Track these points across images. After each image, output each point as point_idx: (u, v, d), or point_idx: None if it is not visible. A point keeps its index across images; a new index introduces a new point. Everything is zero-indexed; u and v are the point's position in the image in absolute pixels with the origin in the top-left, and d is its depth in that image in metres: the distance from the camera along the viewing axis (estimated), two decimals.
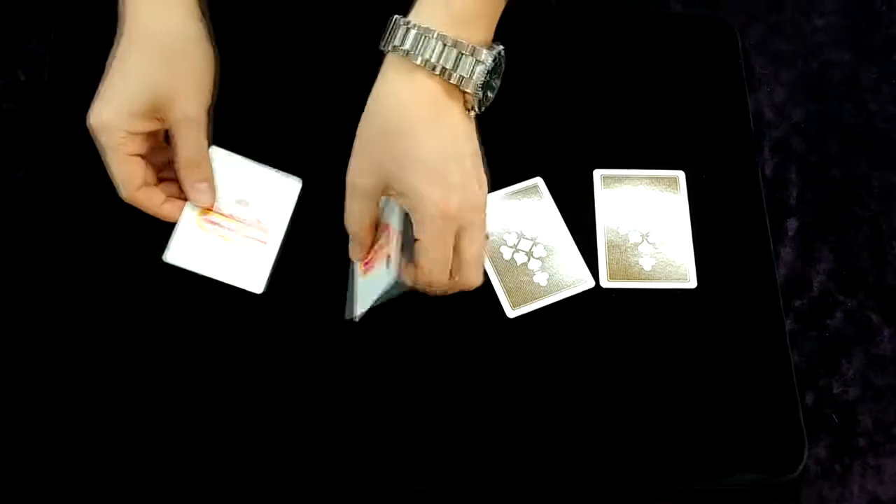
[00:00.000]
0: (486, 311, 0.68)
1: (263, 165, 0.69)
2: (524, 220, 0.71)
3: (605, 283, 0.69)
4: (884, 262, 0.74)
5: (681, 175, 0.74)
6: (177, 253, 0.65)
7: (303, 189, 0.69)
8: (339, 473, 0.64)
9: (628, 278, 0.70)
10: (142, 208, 0.65)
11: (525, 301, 0.68)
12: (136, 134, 0.62)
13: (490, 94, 0.61)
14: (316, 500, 0.65)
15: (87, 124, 0.62)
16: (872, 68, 0.83)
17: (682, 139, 0.76)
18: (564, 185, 0.73)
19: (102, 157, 0.63)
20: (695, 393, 0.67)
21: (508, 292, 0.69)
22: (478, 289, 0.66)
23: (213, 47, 0.65)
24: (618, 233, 0.72)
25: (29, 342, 0.67)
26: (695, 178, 0.74)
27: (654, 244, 0.71)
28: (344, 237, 0.65)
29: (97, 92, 0.63)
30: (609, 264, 0.70)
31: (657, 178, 0.74)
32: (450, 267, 0.61)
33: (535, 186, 0.73)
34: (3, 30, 0.80)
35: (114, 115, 0.61)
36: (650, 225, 0.72)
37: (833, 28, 0.84)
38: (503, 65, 0.61)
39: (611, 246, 0.71)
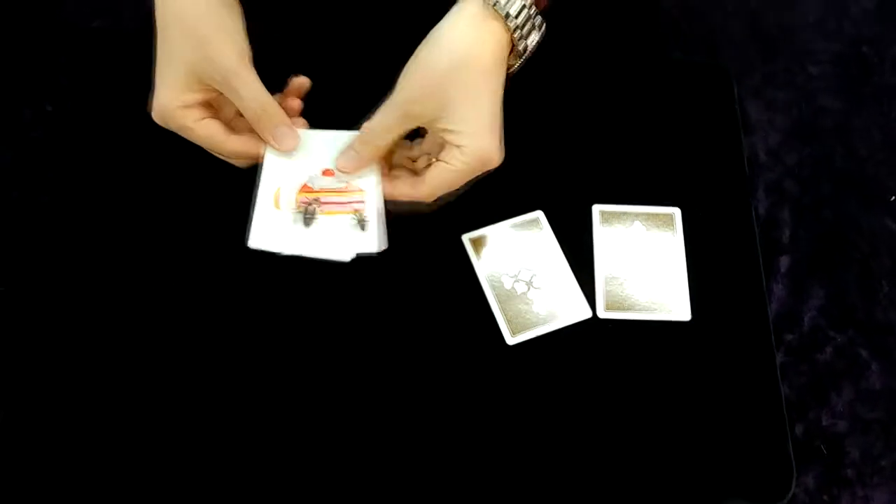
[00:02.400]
0: (486, 338, 0.70)
1: (336, 131, 0.68)
2: (525, 251, 0.74)
3: (602, 313, 0.72)
4: (873, 300, 0.76)
5: (677, 212, 0.77)
6: (258, 238, 0.64)
7: None
8: (336, 501, 0.66)
9: (624, 309, 0.72)
10: (250, 156, 0.66)
11: (524, 329, 0.71)
12: (192, 106, 0.65)
13: None
14: None
15: (153, 118, 0.65)
16: (864, 115, 0.85)
17: (679, 178, 0.79)
18: (565, 218, 0.75)
19: (189, 139, 0.66)
20: (687, 422, 0.68)
21: (508, 320, 0.71)
22: (479, 316, 0.70)
23: (239, 8, 0.66)
24: (615, 265, 0.74)
25: (48, 355, 0.70)
26: (690, 215, 0.77)
27: (650, 277, 0.74)
28: None
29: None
30: (606, 295, 0.72)
31: (654, 215, 0.76)
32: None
33: (536, 219, 0.75)
34: (34, 65, 0.84)
35: (165, 97, 0.64)
36: (646, 259, 0.74)
37: (826, 77, 0.88)
38: None
39: (608, 278, 0.73)
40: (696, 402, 0.69)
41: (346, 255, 0.65)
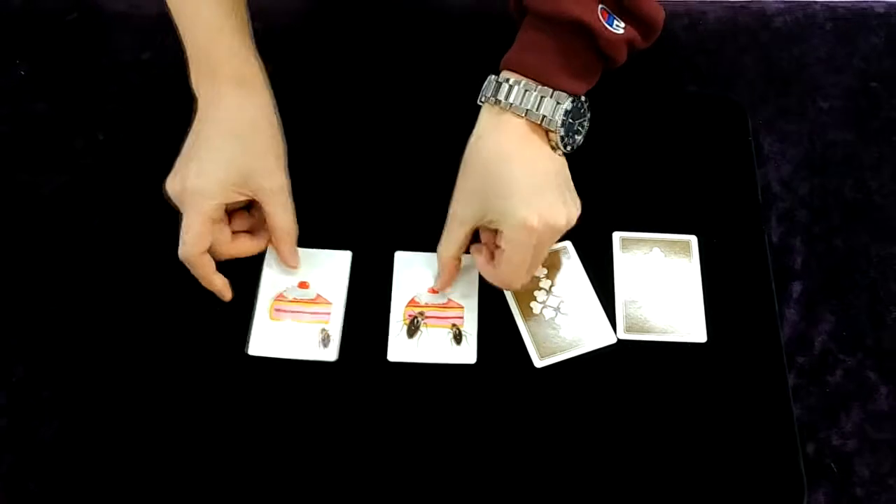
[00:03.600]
0: (515, 361, 0.74)
1: (313, 249, 0.76)
2: (554, 278, 0.78)
3: (622, 335, 0.75)
4: (882, 326, 0.78)
5: (693, 239, 0.80)
6: (257, 346, 0.72)
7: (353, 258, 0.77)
8: None
9: (643, 331, 0.75)
10: (194, 270, 0.72)
11: (552, 353, 0.74)
12: (224, 204, 0.70)
13: (577, 137, 0.70)
14: None
15: (170, 189, 0.70)
16: (873, 148, 0.87)
17: (695, 207, 0.81)
18: (587, 244, 0.79)
19: (184, 217, 0.70)
20: (702, 439, 0.71)
21: (537, 344, 0.74)
22: (509, 340, 0.73)
23: (282, 132, 0.74)
24: (635, 289, 0.77)
25: (99, 369, 0.73)
26: (706, 242, 0.79)
27: (667, 301, 0.77)
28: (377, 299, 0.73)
29: (178, 165, 0.70)
30: (626, 318, 0.76)
31: (672, 242, 0.80)
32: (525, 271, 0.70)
33: (565, 248, 0.79)
34: (86, 96, 0.88)
35: (208, 184, 0.69)
36: (664, 283, 0.78)
37: (836, 111, 0.90)
38: (588, 112, 0.70)
39: (628, 301, 0.77)
40: (710, 421, 0.71)
41: (443, 361, 0.72)
